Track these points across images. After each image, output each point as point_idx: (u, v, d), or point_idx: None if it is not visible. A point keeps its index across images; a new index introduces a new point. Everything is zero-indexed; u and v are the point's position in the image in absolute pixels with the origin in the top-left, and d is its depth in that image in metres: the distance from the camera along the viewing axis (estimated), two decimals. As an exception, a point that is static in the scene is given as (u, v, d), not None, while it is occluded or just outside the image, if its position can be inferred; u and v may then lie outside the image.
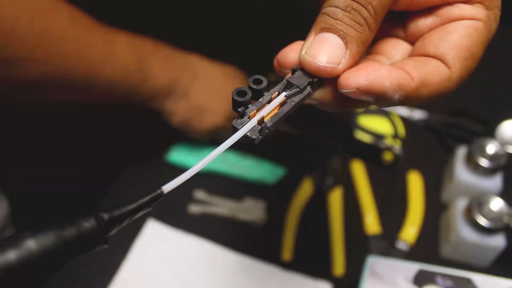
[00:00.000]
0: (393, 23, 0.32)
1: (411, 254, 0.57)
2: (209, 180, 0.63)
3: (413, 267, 0.46)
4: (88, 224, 0.21)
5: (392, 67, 0.27)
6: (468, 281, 0.44)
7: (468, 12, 0.29)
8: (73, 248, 0.21)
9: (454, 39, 0.28)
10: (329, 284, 0.55)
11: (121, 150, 0.67)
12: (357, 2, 0.27)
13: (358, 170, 0.65)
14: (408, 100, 0.27)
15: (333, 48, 0.27)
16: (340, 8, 0.27)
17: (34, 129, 0.68)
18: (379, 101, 0.27)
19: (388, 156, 0.64)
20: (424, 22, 0.31)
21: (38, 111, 0.61)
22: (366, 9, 0.27)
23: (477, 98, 0.73)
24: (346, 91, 0.27)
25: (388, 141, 0.64)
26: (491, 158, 0.57)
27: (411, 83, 0.27)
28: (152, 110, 0.58)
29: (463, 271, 0.45)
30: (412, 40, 0.32)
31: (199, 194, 0.62)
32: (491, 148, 0.58)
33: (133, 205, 0.23)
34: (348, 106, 0.30)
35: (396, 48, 0.32)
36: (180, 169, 0.64)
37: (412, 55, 0.31)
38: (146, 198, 0.23)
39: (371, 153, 0.65)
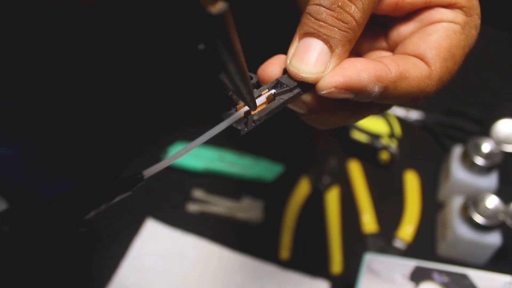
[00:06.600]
0: (376, 35, 0.32)
1: (408, 252, 0.58)
2: (207, 179, 0.63)
3: (410, 264, 0.46)
4: (63, 203, 0.20)
5: (368, 60, 0.26)
6: (464, 277, 0.45)
7: (447, 16, 0.29)
8: (48, 227, 0.20)
9: (433, 39, 0.28)
10: (326, 282, 0.55)
11: (118, 153, 0.67)
12: None
13: (355, 170, 0.65)
14: (388, 92, 0.26)
15: (316, 55, 0.26)
16: (324, 7, 0.25)
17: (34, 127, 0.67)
18: (360, 96, 0.26)
19: (384, 156, 0.64)
20: (406, 29, 0.30)
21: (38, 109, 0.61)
22: (353, 2, 0.26)
23: (472, 98, 0.74)
24: (325, 92, 0.26)
25: (385, 141, 0.65)
26: (487, 156, 0.58)
27: (389, 74, 0.26)
28: None
29: (459, 267, 0.45)
30: (394, 49, 0.31)
31: (198, 193, 0.62)
32: (486, 147, 0.59)
33: (111, 187, 0.22)
34: (334, 115, 0.30)
35: (380, 55, 0.31)
36: (178, 171, 0.64)
37: None
38: (125, 180, 0.22)
39: (367, 152, 0.65)
